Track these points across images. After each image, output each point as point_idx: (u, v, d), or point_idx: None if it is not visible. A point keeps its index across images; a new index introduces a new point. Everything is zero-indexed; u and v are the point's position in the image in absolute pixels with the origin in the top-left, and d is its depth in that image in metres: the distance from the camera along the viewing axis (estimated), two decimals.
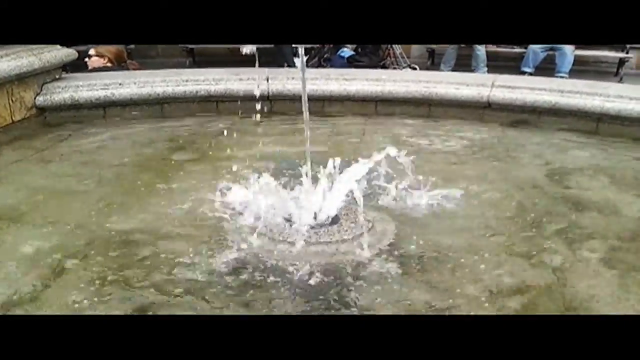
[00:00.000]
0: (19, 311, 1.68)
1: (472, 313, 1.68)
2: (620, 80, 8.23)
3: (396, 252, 2.04)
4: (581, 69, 8.68)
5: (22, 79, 3.56)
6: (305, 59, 9.53)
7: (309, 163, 2.22)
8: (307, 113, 2.16)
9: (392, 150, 2.22)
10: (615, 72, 9.13)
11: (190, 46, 9.62)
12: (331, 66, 8.51)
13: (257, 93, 2.06)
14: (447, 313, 1.69)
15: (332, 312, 1.68)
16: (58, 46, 3.88)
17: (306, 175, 2.22)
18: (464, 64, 8.85)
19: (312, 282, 1.84)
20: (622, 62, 9.08)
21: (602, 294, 1.78)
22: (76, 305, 1.70)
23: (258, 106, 2.02)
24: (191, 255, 2.01)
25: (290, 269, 1.91)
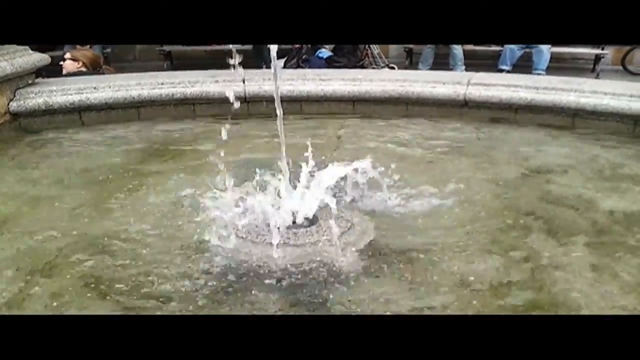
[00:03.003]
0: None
1: (452, 312, 1.67)
2: (597, 77, 8.31)
3: (375, 251, 2.03)
4: (558, 65, 8.76)
5: None
6: (283, 60, 9.43)
7: (284, 165, 2.20)
8: (281, 113, 2.13)
9: (367, 157, 2.22)
10: (591, 68, 9.22)
11: (167, 49, 9.55)
12: (310, 67, 8.49)
13: (231, 95, 2.02)
14: (427, 312, 1.68)
15: (312, 312, 1.67)
16: (30, 51, 3.82)
17: (283, 177, 2.20)
18: (441, 63, 8.88)
19: (290, 280, 1.83)
20: (598, 58, 9.17)
21: (582, 287, 1.79)
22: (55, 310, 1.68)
23: (235, 108, 2.00)
24: (169, 258, 1.99)
25: (269, 269, 1.90)
